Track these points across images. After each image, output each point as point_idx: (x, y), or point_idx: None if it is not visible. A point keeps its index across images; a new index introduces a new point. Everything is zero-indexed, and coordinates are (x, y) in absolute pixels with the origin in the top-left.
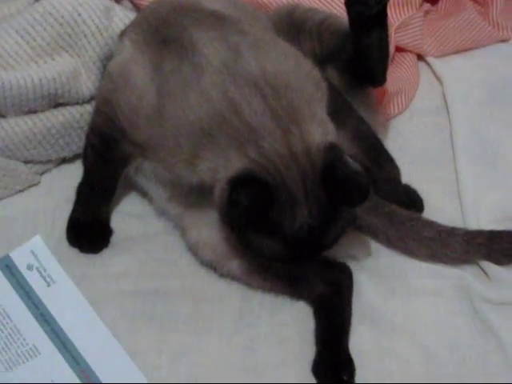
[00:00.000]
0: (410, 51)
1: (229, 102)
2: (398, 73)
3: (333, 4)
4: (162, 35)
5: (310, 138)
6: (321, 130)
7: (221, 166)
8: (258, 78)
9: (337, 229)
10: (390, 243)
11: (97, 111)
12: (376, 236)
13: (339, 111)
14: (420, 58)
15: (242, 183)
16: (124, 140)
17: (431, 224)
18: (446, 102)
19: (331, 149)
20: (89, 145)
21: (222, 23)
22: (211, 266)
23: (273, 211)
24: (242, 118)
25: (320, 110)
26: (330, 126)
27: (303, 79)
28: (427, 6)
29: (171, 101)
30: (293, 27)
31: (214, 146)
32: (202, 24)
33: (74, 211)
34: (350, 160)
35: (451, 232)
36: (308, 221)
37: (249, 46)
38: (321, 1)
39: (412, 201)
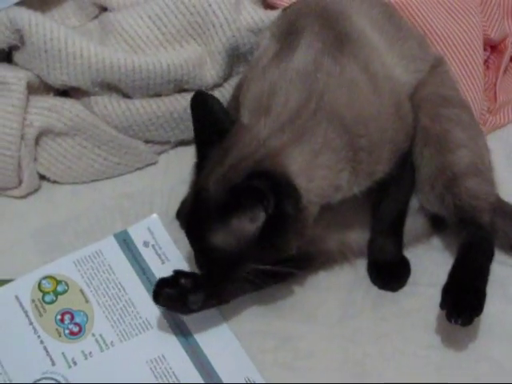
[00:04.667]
0: None
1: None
2: (509, 83)
3: None
4: (289, 27)
5: (286, 155)
6: (302, 169)
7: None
8: (313, 95)
9: (229, 235)
10: (508, 242)
11: (231, 95)
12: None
13: None
14: None
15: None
16: None
17: None
18: None
19: (282, 176)
20: None
21: (336, 44)
22: None
23: (209, 154)
24: (271, 99)
25: (334, 164)
26: (318, 182)
27: (350, 134)
28: None
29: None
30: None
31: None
32: (320, 36)
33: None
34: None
35: None
36: (212, 185)
37: (331, 75)
38: None
39: None
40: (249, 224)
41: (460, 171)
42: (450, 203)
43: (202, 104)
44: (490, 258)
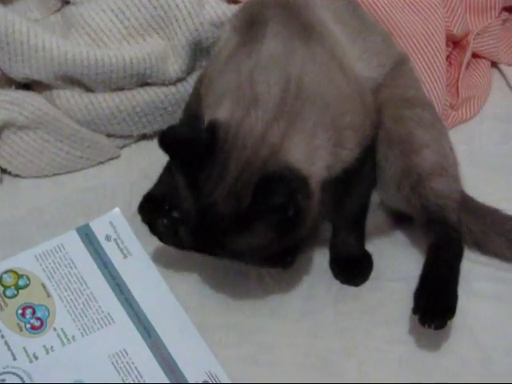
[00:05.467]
0: (485, 58)
1: (251, 79)
2: (471, 78)
3: None
4: (251, 19)
5: (288, 146)
6: (304, 154)
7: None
8: (291, 77)
9: (248, 240)
10: (472, 237)
11: (193, 89)
12: None
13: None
14: (493, 64)
15: (207, 127)
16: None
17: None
18: None
19: (291, 173)
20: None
21: (302, 32)
22: None
23: (203, 171)
24: (254, 89)
25: (326, 143)
26: (318, 163)
27: (332, 112)
28: (505, 14)
29: (217, 71)
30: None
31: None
32: (285, 25)
33: (154, 185)
34: (284, 192)
35: None
36: (221, 201)
37: (304, 57)
38: None
39: None
40: (269, 228)
41: (425, 172)
42: (417, 204)
43: (171, 137)
44: (459, 257)
